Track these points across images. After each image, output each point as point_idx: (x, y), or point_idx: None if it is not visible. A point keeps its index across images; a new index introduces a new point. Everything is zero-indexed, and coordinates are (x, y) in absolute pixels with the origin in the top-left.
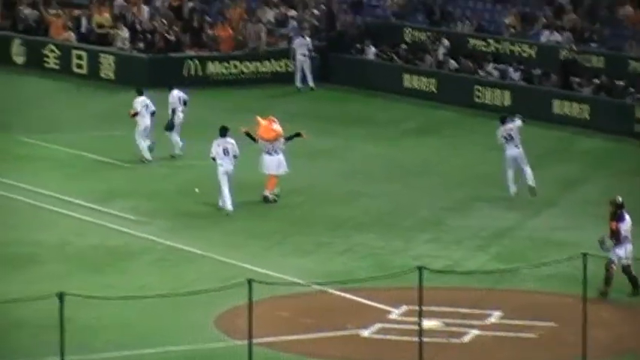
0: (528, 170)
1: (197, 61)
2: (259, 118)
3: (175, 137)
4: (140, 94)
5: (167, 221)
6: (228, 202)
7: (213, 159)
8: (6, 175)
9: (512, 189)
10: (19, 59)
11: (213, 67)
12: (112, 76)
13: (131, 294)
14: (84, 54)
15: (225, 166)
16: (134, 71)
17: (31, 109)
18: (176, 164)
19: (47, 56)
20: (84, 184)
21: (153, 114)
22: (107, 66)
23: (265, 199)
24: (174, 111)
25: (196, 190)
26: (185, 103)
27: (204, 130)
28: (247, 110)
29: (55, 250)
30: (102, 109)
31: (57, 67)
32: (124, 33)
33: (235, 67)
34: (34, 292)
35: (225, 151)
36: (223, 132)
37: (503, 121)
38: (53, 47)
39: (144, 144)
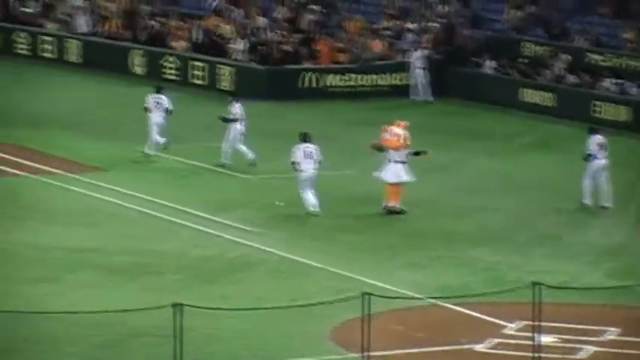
0: (607, 187)
1: (314, 74)
2: (386, 126)
3: (242, 147)
4: (158, 91)
5: (282, 232)
6: (310, 204)
7: (293, 163)
8: (124, 185)
9: (588, 200)
10: (139, 70)
11: (330, 80)
12: (229, 87)
13: (247, 305)
14: (202, 65)
15: (307, 171)
16: (251, 83)
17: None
18: (289, 176)
19: (166, 67)
20: (200, 195)
21: (167, 112)
22: (225, 77)
23: (391, 210)
24: (235, 121)
25: (280, 203)
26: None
27: (321, 143)
28: (364, 123)
29: (172, 260)
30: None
31: (175, 77)
32: (241, 44)
33: (352, 79)
34: (152, 301)
35: (308, 155)
36: (304, 137)
37: (592, 132)
38: (172, 58)
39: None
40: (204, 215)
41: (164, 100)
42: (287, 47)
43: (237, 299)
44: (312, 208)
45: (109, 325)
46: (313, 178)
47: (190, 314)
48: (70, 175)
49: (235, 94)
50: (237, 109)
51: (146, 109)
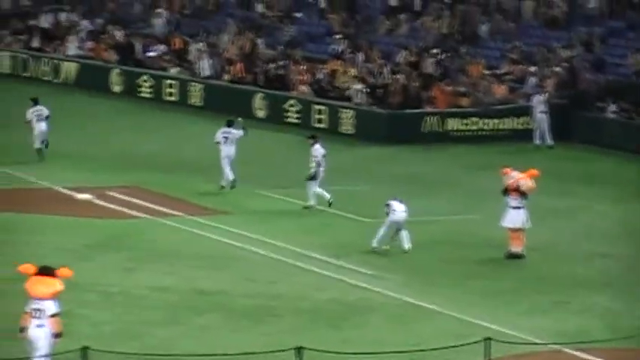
0: None
1: (435, 117)
2: (507, 169)
3: (314, 188)
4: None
5: (402, 276)
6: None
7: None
8: (244, 228)
9: None
10: (261, 113)
11: (452, 124)
12: (351, 130)
13: (367, 349)
14: (324, 108)
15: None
16: (373, 126)
17: (270, 163)
18: (410, 220)
19: (288, 110)
20: (320, 238)
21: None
22: (347, 121)
23: (513, 255)
24: (318, 164)
25: (386, 247)
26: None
27: (444, 188)
28: (486, 167)
29: (292, 303)
30: (341, 163)
31: (297, 121)
32: (362, 88)
33: (474, 123)
34: (273, 344)
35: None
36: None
37: None
38: (294, 102)
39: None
40: (325, 259)
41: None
42: (408, 91)
43: (357, 343)
44: (406, 246)
45: None
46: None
47: (311, 358)
48: (192, 217)
49: (314, 137)
50: (317, 151)
51: (217, 143)
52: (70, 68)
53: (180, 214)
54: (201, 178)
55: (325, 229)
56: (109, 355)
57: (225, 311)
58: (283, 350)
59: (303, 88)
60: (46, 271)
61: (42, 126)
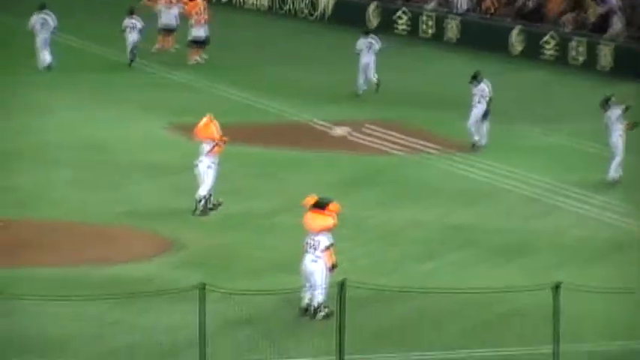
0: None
1: None
2: None
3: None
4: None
5: None
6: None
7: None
8: (501, 164)
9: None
10: (517, 48)
11: None
12: (608, 66)
13: (619, 287)
14: (583, 41)
15: None
16: (632, 62)
17: (529, 100)
18: None
19: (543, 47)
20: (580, 175)
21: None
22: (604, 56)
23: None
24: (489, 101)
25: None
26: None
27: None
28: None
29: (549, 239)
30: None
31: (553, 58)
32: (620, 21)
33: None
34: (528, 281)
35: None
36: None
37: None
38: (550, 38)
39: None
40: (583, 196)
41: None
42: None
43: (612, 281)
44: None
45: (488, 304)
46: None
47: (567, 294)
48: (448, 153)
49: (475, 76)
50: (483, 90)
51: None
52: (327, 3)
53: (436, 150)
54: (456, 114)
55: (584, 166)
56: (365, 289)
57: (481, 247)
58: (542, 288)
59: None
60: (320, 205)
61: (134, 36)
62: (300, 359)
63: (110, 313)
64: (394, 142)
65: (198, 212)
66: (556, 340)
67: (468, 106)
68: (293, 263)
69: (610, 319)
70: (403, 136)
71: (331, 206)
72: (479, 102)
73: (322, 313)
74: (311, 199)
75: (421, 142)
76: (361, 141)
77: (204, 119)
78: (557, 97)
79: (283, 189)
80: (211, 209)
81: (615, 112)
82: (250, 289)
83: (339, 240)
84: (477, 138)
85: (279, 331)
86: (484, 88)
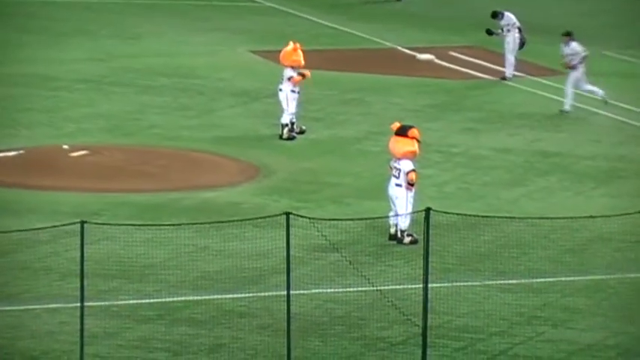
0: None
1: None
2: None
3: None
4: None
5: None
6: None
7: None
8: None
9: None
10: None
11: None
12: None
13: None
14: None
15: None
16: None
17: (617, 23)
18: None
19: None
20: None
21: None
22: None
23: None
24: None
25: None
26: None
27: None
28: None
29: (638, 165)
30: None
31: None
32: None
33: None
34: (618, 208)
35: None
36: None
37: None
38: None
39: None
40: None
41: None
42: None
43: None
44: None
45: (575, 230)
46: None
47: None
48: (535, 78)
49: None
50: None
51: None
52: None
53: (523, 74)
54: (544, 39)
55: None
56: (452, 215)
57: (569, 173)
58: (630, 213)
59: None
60: (402, 131)
61: None
62: (385, 286)
63: (198, 239)
64: (481, 67)
65: (284, 137)
66: None
67: (553, 32)
68: (379, 189)
69: None
70: (489, 62)
71: (411, 132)
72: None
73: (408, 240)
74: (395, 125)
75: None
76: (448, 65)
77: (290, 45)
78: None
79: (369, 114)
80: (297, 135)
81: None
82: (336, 215)
83: (425, 166)
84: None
85: (365, 257)
86: (575, 46)
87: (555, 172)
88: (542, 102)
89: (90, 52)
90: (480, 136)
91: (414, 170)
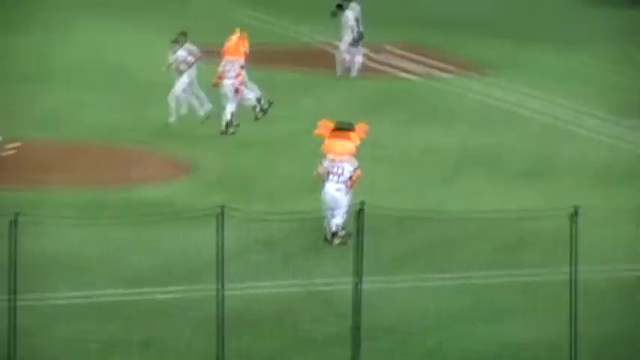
0: None
1: None
2: None
3: None
4: None
5: None
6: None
7: None
8: (523, 87)
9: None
10: None
11: None
12: None
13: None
14: None
15: None
16: None
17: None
18: None
19: None
20: (600, 98)
21: None
22: None
23: None
24: None
25: None
26: None
27: None
28: None
29: (568, 163)
30: None
31: None
32: None
33: None
34: (547, 205)
35: None
36: None
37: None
38: None
39: None
40: (606, 118)
41: None
42: None
43: (631, 206)
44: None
45: (505, 228)
46: None
47: (585, 219)
48: (466, 76)
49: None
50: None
51: None
52: None
53: (454, 71)
54: (478, 35)
55: (603, 90)
56: (384, 214)
57: (499, 171)
58: (558, 212)
59: None
60: (343, 128)
61: None
62: (317, 283)
63: (130, 236)
64: (411, 65)
65: (222, 133)
66: (573, 264)
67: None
68: (311, 187)
69: (629, 244)
70: (421, 58)
71: (358, 128)
72: None
73: (341, 234)
74: (327, 124)
75: (440, 65)
76: (378, 65)
77: (234, 38)
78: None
79: (300, 112)
80: (233, 129)
81: None
82: (269, 211)
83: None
84: None
85: (297, 253)
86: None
87: (487, 170)
88: (473, 100)
89: (20, 46)
90: (412, 134)
91: (357, 169)
